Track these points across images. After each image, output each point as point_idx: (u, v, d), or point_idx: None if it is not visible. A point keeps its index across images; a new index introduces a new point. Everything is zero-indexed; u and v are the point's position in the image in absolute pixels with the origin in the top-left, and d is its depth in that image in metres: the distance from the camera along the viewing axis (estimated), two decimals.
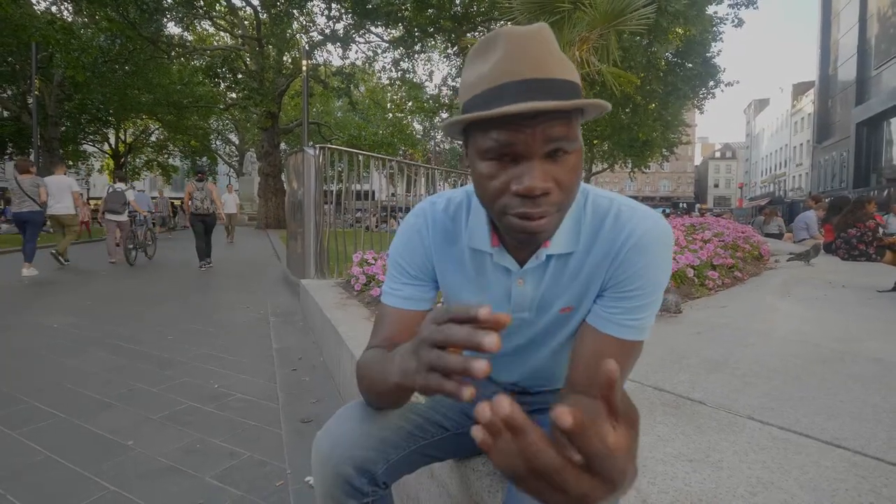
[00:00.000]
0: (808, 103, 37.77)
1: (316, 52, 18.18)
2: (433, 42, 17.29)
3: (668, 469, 0.95)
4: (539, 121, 0.54)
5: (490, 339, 0.38)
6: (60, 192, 6.72)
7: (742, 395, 1.39)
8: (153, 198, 13.10)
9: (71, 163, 23.56)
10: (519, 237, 0.61)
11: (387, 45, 17.38)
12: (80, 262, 7.81)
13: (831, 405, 1.31)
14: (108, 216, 7.64)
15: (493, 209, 0.61)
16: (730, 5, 14.52)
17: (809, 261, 4.59)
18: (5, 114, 19.66)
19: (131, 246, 7.60)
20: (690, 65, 15.40)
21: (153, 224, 9.17)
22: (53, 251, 6.80)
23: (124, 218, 7.67)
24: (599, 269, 0.68)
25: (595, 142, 21.82)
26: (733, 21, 14.81)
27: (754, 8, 14.43)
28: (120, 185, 7.87)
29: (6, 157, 21.79)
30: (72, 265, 7.18)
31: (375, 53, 17.92)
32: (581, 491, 0.37)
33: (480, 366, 0.39)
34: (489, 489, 0.87)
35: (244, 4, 17.37)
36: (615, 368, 0.36)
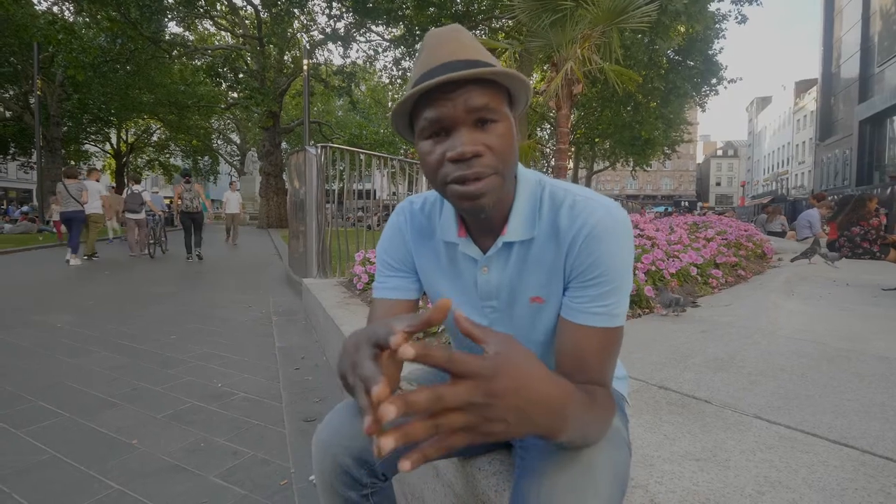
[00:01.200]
0: (810, 101, 37.62)
1: (317, 51, 18.19)
2: None
3: (675, 468, 0.95)
4: (459, 93, 0.61)
5: (385, 410, 0.39)
6: (92, 195, 7.94)
7: (748, 393, 1.38)
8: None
9: (73, 163, 23.65)
10: (463, 205, 0.65)
11: (388, 43, 17.35)
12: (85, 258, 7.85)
13: (838, 404, 1.31)
14: (128, 215, 8.62)
15: (437, 183, 0.66)
16: (732, 1, 14.42)
17: (814, 257, 4.55)
18: (7, 114, 19.71)
19: (152, 241, 8.81)
20: (692, 62, 15.33)
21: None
22: (86, 255, 7.94)
23: (142, 216, 8.68)
24: (559, 259, 0.70)
25: (597, 140, 21.79)
26: (737, 17, 14.71)
27: (757, 4, 14.31)
28: (137, 188, 8.81)
29: (9, 157, 21.88)
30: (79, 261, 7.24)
31: (376, 52, 17.89)
32: (464, 398, 0.42)
33: (366, 423, 0.41)
34: (496, 488, 0.86)
35: (245, 4, 17.39)
36: (447, 305, 0.45)
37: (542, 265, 0.72)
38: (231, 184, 12.82)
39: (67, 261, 7.37)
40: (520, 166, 0.74)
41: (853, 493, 0.87)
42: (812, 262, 4.55)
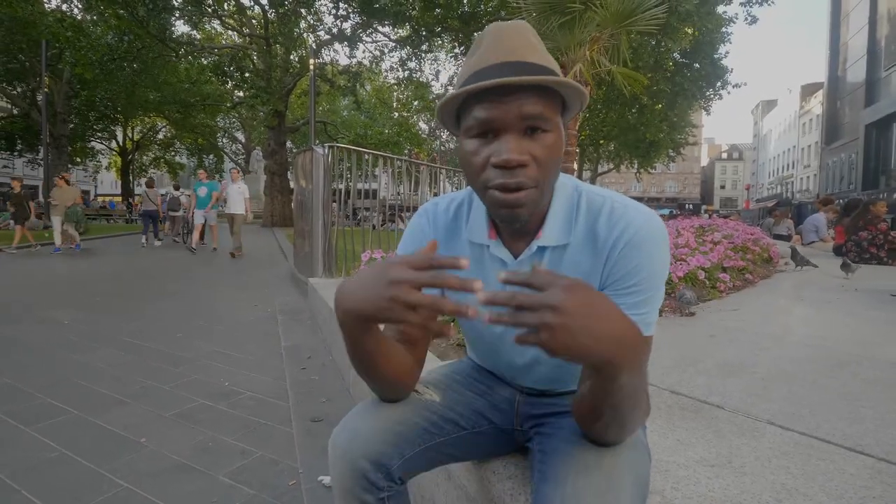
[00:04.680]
0: (816, 104, 37.45)
1: (323, 51, 18.23)
2: (440, 41, 17.27)
3: (690, 474, 0.94)
4: (514, 97, 0.59)
5: (479, 284, 0.50)
6: (155, 198, 10.81)
7: (760, 399, 1.37)
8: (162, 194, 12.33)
9: (79, 160, 23.80)
10: (500, 212, 0.65)
11: (394, 44, 17.37)
12: (90, 254, 7.88)
13: (852, 410, 1.30)
14: (170, 213, 11.21)
15: (477, 184, 0.65)
16: (741, 3, 14.35)
17: (804, 265, 4.48)
18: (15, 111, 19.83)
19: (186, 232, 11.09)
20: (698, 65, 15.31)
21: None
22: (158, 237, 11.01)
23: (179, 214, 11.12)
24: (595, 266, 0.69)
25: (601, 142, 21.77)
26: (746, 19, 14.67)
27: (769, 4, 14.22)
28: (176, 193, 11.16)
29: (15, 153, 22.00)
30: (84, 254, 7.27)
31: (382, 53, 17.92)
32: (538, 300, 0.48)
33: (477, 286, 0.50)
34: (511, 492, 0.86)
35: (252, 3, 17.41)
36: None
37: (576, 272, 0.71)
38: (233, 171, 9.64)
39: (143, 244, 10.32)
40: None
41: (871, 501, 0.86)
42: (798, 269, 4.47)
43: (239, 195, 8.85)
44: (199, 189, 9.54)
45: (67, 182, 9.34)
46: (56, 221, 8.68)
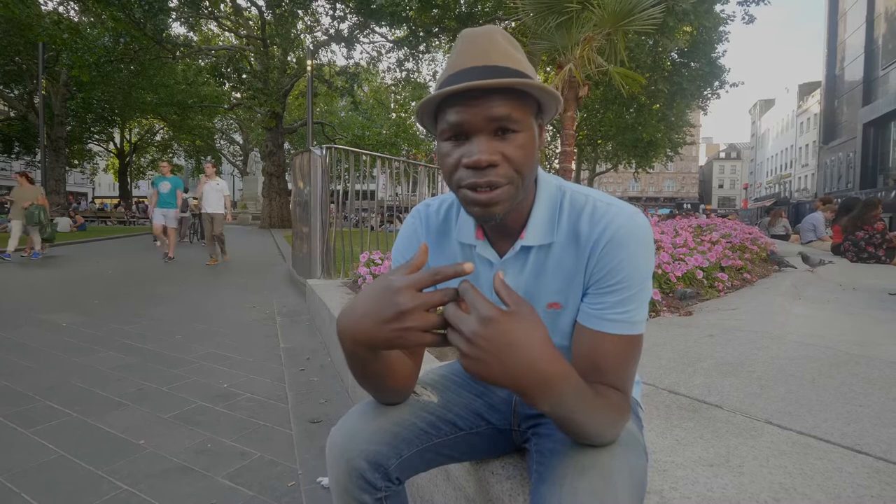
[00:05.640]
0: (814, 104, 37.54)
1: (320, 52, 18.23)
2: (437, 42, 17.27)
3: (688, 474, 0.94)
4: (482, 100, 0.61)
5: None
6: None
7: (758, 398, 1.38)
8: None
9: (77, 162, 23.76)
10: (474, 210, 0.66)
11: (391, 45, 17.36)
12: (88, 256, 7.86)
13: (850, 410, 1.30)
14: (180, 214, 10.62)
15: (452, 185, 0.67)
16: (738, 2, 14.35)
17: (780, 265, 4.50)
18: (12, 113, 19.80)
19: (192, 232, 12.48)
20: (695, 65, 15.32)
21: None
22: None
23: (186, 215, 11.29)
24: (579, 265, 0.70)
25: (599, 142, 21.79)
26: (743, 18, 14.66)
27: (765, 3, 14.22)
28: (185, 195, 10.75)
29: (13, 156, 21.96)
30: (82, 256, 7.24)
31: (380, 53, 17.91)
32: (456, 318, 0.53)
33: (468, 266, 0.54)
34: (510, 493, 0.86)
35: (249, 5, 17.40)
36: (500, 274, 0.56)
37: (561, 270, 0.71)
38: (207, 166, 8.03)
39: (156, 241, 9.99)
40: (540, 171, 0.73)
41: (869, 500, 0.87)
42: (783, 270, 4.48)
43: (216, 193, 7.62)
44: (161, 184, 7.99)
45: (31, 181, 8.24)
46: (15, 224, 7.76)
